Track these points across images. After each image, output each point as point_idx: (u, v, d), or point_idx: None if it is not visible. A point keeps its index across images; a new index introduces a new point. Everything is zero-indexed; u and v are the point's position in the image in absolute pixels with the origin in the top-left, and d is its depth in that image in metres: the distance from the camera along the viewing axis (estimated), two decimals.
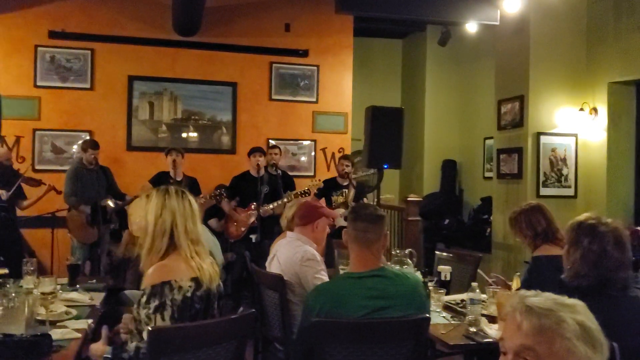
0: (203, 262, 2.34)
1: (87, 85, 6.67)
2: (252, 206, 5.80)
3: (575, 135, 6.19)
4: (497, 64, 6.78)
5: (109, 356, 2.23)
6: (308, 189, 5.71)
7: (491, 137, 7.27)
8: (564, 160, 6.18)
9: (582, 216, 2.25)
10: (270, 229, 5.75)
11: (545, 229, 3.20)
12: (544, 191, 6.07)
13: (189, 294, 2.23)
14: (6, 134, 5.84)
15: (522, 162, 6.19)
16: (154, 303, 2.19)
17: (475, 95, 8.51)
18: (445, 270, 3.48)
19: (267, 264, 3.49)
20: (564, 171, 6.18)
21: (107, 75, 6.72)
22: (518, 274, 3.21)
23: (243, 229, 5.87)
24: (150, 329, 2.04)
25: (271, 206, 5.70)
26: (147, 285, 2.23)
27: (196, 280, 2.27)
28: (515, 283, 3.15)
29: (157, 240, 2.31)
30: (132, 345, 2.20)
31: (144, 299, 2.21)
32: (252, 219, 5.77)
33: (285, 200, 5.73)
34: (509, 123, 6.43)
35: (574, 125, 6.16)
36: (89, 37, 6.65)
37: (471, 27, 6.84)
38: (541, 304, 1.28)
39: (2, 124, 5.63)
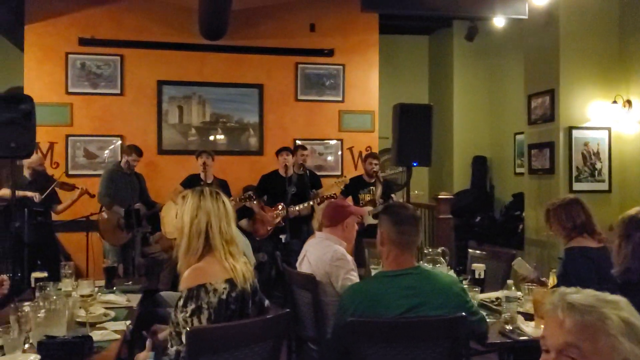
0: (237, 262, 2.36)
1: (118, 91, 6.78)
2: (280, 206, 5.83)
3: (609, 129, 6.07)
4: (526, 57, 6.68)
5: None
6: (335, 194, 5.73)
7: (522, 132, 7.17)
8: (597, 154, 6.06)
9: (633, 210, 2.22)
10: (299, 228, 5.79)
11: (584, 222, 3.16)
12: (577, 186, 5.97)
13: (224, 296, 2.25)
14: (40, 141, 5.96)
15: (554, 157, 6.10)
16: (191, 306, 2.21)
17: (504, 90, 8.41)
18: (479, 268, 3.44)
19: (297, 264, 3.50)
20: (598, 165, 6.06)
21: (136, 80, 6.83)
22: (554, 270, 3.17)
23: (269, 228, 5.91)
24: (188, 329, 2.06)
25: (298, 207, 5.72)
26: (183, 289, 2.26)
27: (230, 282, 2.29)
28: (552, 279, 3.11)
29: (193, 241, 2.33)
30: (172, 350, 2.23)
31: (180, 302, 2.24)
32: (279, 219, 5.80)
33: (311, 202, 5.76)
34: (539, 117, 6.34)
35: (607, 118, 6.03)
36: (118, 44, 6.77)
37: (499, 21, 6.76)
38: (583, 300, 1.26)
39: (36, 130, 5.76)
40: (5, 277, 2.89)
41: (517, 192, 7.68)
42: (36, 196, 5.38)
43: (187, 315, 2.21)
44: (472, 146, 8.70)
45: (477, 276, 3.42)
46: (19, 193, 5.30)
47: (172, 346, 2.25)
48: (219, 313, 2.23)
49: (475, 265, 3.51)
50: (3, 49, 7.67)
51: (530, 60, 6.60)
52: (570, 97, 6.02)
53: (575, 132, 6.01)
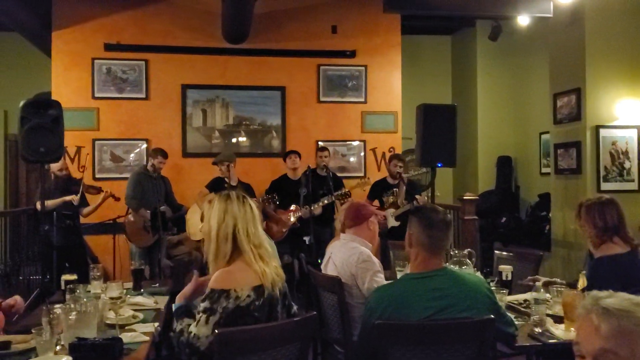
0: (267, 265, 2.36)
1: (143, 95, 6.87)
2: (293, 207, 5.85)
3: (638, 127, 5.97)
4: (551, 56, 6.60)
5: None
6: (349, 191, 5.74)
7: (547, 132, 7.09)
8: (625, 153, 5.96)
9: None
10: (322, 231, 5.80)
11: (617, 226, 3.10)
12: (605, 186, 5.87)
13: (243, 304, 2.25)
14: (67, 145, 6.05)
15: (580, 157, 6.01)
16: (205, 304, 2.25)
17: (529, 89, 8.31)
18: (506, 270, 3.41)
19: (322, 266, 3.51)
20: (626, 165, 5.96)
21: (161, 84, 6.91)
22: (583, 272, 3.12)
23: (284, 230, 5.93)
24: (217, 331, 2.08)
25: (314, 206, 5.73)
26: (209, 287, 2.30)
27: (257, 290, 2.29)
28: (581, 281, 3.07)
29: (222, 245, 2.35)
30: (178, 327, 2.32)
31: (202, 297, 2.30)
32: (294, 220, 5.82)
33: (325, 201, 5.77)
34: (565, 117, 6.26)
35: (636, 116, 5.93)
36: (143, 48, 6.85)
37: (523, 20, 6.68)
38: (618, 305, 1.24)
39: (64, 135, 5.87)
40: (18, 297, 2.94)
41: (543, 192, 7.58)
42: (75, 199, 5.47)
43: (200, 309, 2.26)
44: (496, 146, 8.62)
45: (504, 278, 3.39)
46: (57, 201, 5.40)
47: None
48: (229, 320, 2.23)
49: (502, 267, 3.48)
50: (31, 55, 7.83)
51: (555, 58, 6.52)
52: (597, 95, 5.93)
53: (602, 131, 5.92)
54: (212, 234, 2.38)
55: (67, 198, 5.46)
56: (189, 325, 2.29)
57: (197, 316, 2.27)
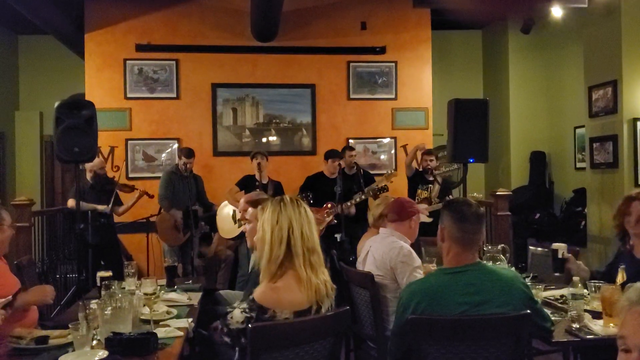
0: (315, 275, 2.31)
1: (174, 95, 6.94)
2: (329, 205, 5.84)
3: None
4: (586, 48, 6.46)
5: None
6: (385, 185, 5.69)
7: (582, 126, 6.93)
8: None
9: None
10: (353, 227, 5.77)
11: None
12: None
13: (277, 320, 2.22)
14: (101, 145, 6.17)
15: (617, 151, 5.87)
16: (246, 315, 2.21)
17: (563, 82, 8.14)
18: (562, 248, 3.29)
19: (360, 260, 3.52)
20: None
21: (191, 84, 6.97)
22: (623, 266, 3.03)
23: (321, 227, 5.91)
24: (250, 326, 2.08)
25: (349, 202, 5.72)
26: (254, 297, 2.26)
27: (299, 314, 2.24)
28: (620, 276, 2.98)
29: (275, 248, 2.29)
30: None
31: (246, 304, 2.25)
32: (330, 218, 5.80)
33: (358, 199, 5.74)
34: (601, 110, 6.12)
35: None
36: (174, 48, 6.93)
37: (556, 11, 6.54)
38: None
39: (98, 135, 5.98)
40: (50, 287, 3.02)
41: (578, 187, 7.42)
42: (107, 208, 5.59)
43: (240, 312, 2.22)
44: (529, 141, 8.46)
45: (560, 256, 3.29)
46: (89, 206, 5.53)
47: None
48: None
49: (556, 245, 3.36)
50: (65, 57, 7.97)
51: (590, 50, 6.37)
52: (634, 87, 5.79)
53: None
54: (267, 238, 2.32)
55: (100, 208, 5.60)
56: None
57: (236, 321, 2.23)
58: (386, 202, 3.76)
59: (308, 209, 2.41)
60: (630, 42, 5.78)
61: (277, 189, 6.02)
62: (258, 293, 2.26)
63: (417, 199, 5.85)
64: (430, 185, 5.90)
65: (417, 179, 6.09)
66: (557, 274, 3.40)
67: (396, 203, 3.51)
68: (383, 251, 3.24)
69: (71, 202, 5.61)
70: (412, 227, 3.43)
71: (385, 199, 4.00)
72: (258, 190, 5.52)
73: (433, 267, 3.53)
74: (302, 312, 2.24)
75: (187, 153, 5.97)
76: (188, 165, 5.90)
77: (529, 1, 6.29)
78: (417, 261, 3.19)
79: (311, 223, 2.37)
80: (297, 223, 2.32)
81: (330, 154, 6.14)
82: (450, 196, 5.76)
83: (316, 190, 5.95)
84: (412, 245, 3.42)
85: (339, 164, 5.82)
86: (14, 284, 3.01)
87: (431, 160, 5.96)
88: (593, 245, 6.21)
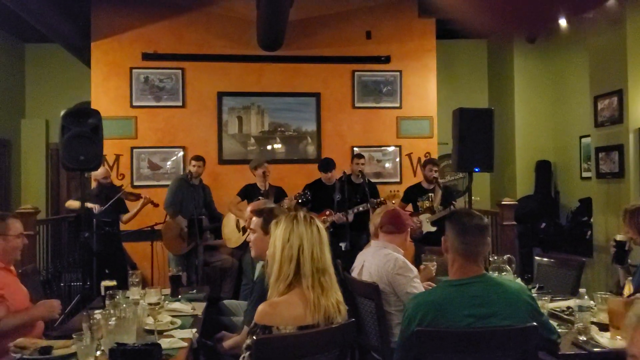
0: (326, 297, 2.24)
1: (179, 103, 6.96)
2: (327, 212, 5.83)
3: None
4: (591, 57, 6.44)
5: None
6: (384, 199, 5.70)
7: (588, 135, 6.91)
8: None
9: None
10: (358, 237, 5.76)
11: None
12: None
13: None
14: (107, 153, 6.19)
15: (623, 160, 5.84)
16: (249, 342, 2.15)
17: (568, 92, 8.12)
18: (626, 238, 3.25)
19: (354, 273, 3.47)
20: None
21: (197, 92, 7.00)
22: (630, 278, 3.01)
23: None
24: (255, 338, 2.07)
25: (355, 210, 5.74)
26: (254, 320, 2.21)
27: (304, 329, 2.19)
28: (627, 288, 2.97)
29: (284, 266, 2.24)
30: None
31: (248, 329, 2.23)
32: (327, 225, 5.79)
33: (361, 208, 5.76)
34: (607, 119, 6.09)
35: None
36: (179, 57, 6.96)
37: (561, 20, 6.53)
38: None
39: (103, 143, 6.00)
40: (57, 302, 3.02)
41: (584, 197, 7.38)
42: (95, 207, 5.57)
43: (244, 347, 2.18)
44: (535, 150, 8.43)
45: (627, 248, 3.25)
46: (77, 205, 5.53)
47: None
48: None
49: (620, 236, 3.30)
50: (72, 66, 8.02)
51: (595, 60, 6.36)
52: (639, 97, 5.75)
53: None
54: (277, 255, 2.27)
55: (89, 205, 5.52)
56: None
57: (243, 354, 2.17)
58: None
59: (322, 227, 2.34)
60: (635, 52, 5.76)
61: (278, 193, 6.04)
62: (257, 314, 2.20)
63: (420, 210, 5.82)
64: (430, 194, 5.88)
65: (415, 193, 6.04)
66: (619, 266, 3.36)
67: (393, 214, 3.45)
68: (378, 265, 3.21)
69: (69, 202, 5.66)
70: (407, 239, 3.43)
71: (386, 208, 3.99)
72: (261, 198, 5.53)
73: (433, 265, 3.53)
74: (306, 327, 2.19)
75: (197, 157, 6.04)
76: (198, 170, 5.91)
77: (537, 17, 6.27)
78: (414, 271, 3.17)
79: (323, 243, 2.30)
80: (308, 242, 2.25)
81: (320, 167, 6.21)
82: (454, 203, 5.75)
83: (314, 197, 5.95)
84: (416, 255, 3.42)
85: (344, 171, 5.83)
86: (24, 295, 3.01)
87: (436, 170, 5.94)
88: (599, 255, 6.16)
